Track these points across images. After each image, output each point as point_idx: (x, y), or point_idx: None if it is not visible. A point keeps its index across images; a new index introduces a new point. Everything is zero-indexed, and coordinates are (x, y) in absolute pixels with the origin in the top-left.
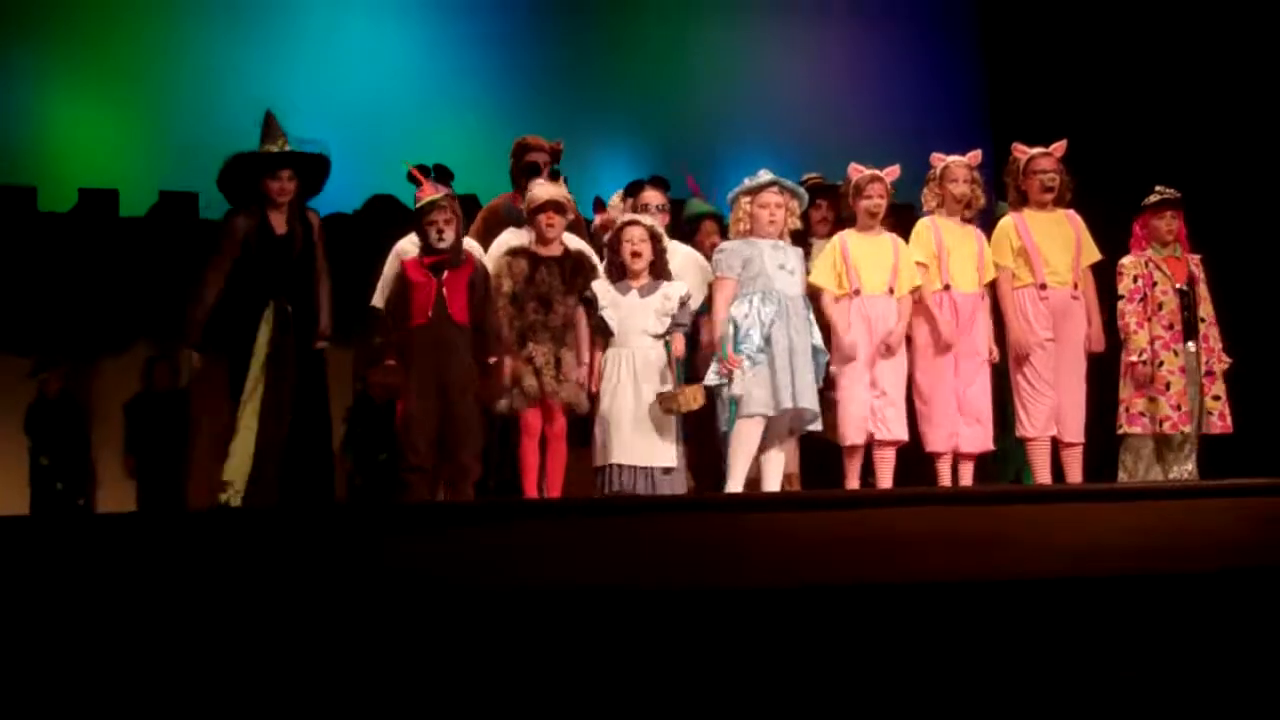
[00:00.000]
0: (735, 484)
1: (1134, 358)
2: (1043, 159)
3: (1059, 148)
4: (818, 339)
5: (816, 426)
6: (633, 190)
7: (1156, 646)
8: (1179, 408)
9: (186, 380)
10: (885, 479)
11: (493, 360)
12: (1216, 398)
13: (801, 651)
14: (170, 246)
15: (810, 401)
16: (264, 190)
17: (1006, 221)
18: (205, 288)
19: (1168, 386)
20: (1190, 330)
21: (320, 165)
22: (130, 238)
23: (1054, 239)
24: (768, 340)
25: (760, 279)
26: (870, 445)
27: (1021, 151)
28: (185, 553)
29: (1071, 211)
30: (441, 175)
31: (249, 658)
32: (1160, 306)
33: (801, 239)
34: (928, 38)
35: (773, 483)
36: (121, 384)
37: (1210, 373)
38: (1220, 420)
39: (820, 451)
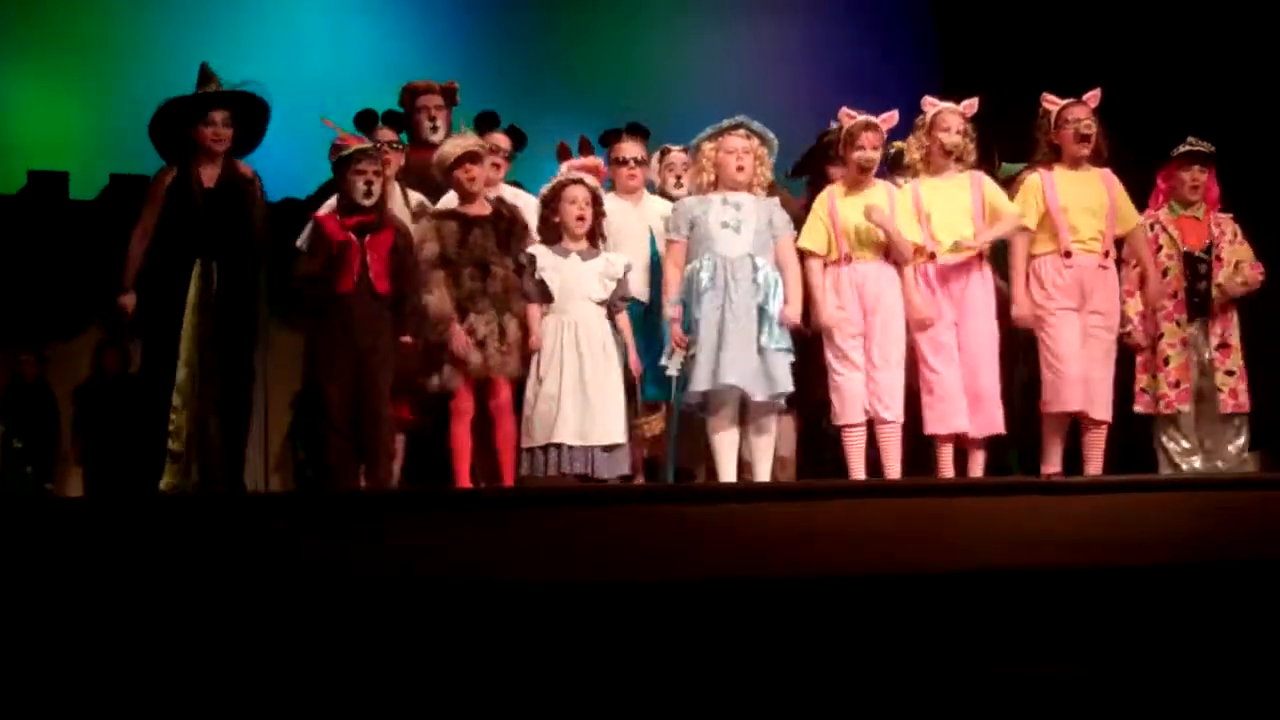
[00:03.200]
0: (727, 475)
1: (1123, 328)
2: (1076, 108)
3: (1093, 96)
4: (765, 300)
5: (760, 396)
6: (607, 140)
7: (1103, 640)
8: (1177, 384)
9: (138, 365)
10: (893, 460)
11: (407, 339)
12: (1230, 373)
13: (757, 644)
14: (121, 230)
15: (739, 378)
16: (197, 139)
17: (1034, 179)
18: (132, 245)
19: (1166, 361)
20: (1200, 300)
21: (256, 109)
22: (80, 221)
23: (1083, 201)
24: (698, 314)
25: (703, 241)
26: (872, 426)
27: (1052, 103)
28: (135, 538)
29: (1107, 171)
30: (381, 121)
31: (198, 646)
32: (1165, 273)
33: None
34: (879, 17)
35: (760, 469)
36: (72, 369)
37: (1225, 345)
38: (1231, 398)
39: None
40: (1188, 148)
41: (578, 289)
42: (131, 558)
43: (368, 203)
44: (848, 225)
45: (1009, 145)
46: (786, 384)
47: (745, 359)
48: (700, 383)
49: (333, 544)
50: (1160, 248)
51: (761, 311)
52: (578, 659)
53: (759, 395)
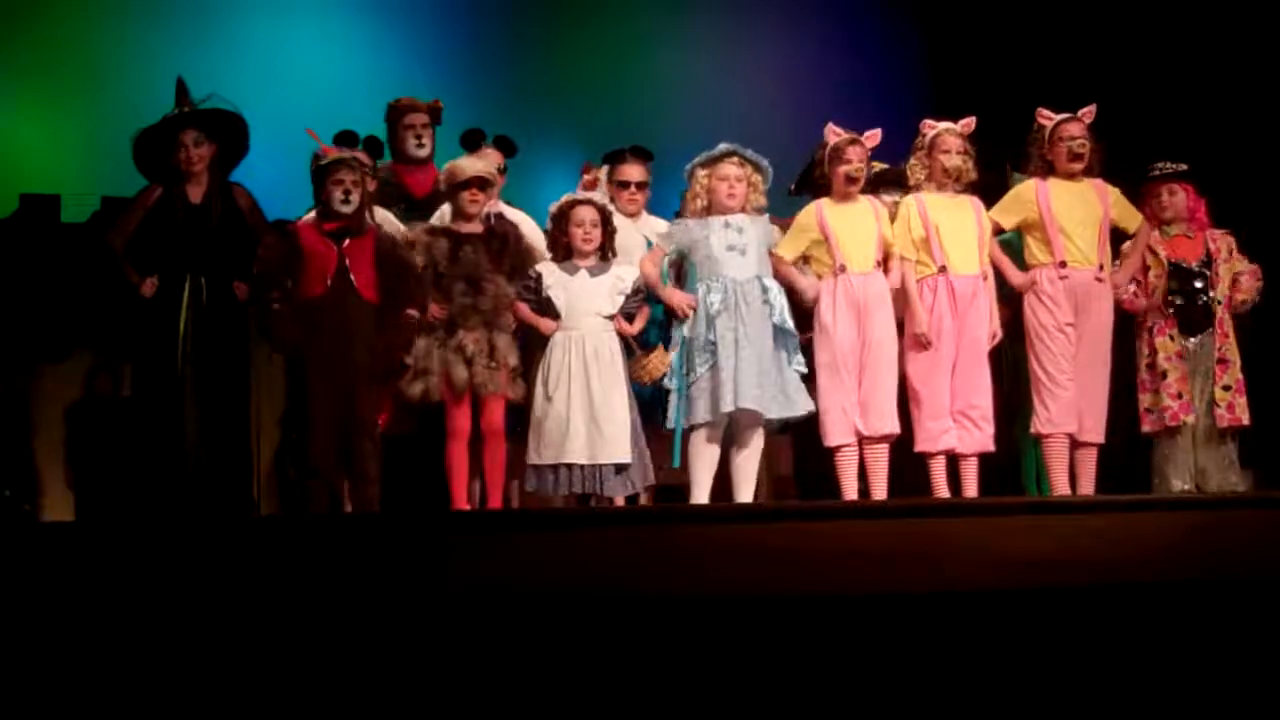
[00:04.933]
0: (699, 495)
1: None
2: (1071, 124)
3: (1088, 112)
4: (782, 319)
5: (792, 413)
6: (612, 160)
7: (1089, 658)
8: (1179, 396)
9: (129, 388)
10: (879, 480)
11: (413, 313)
12: (1226, 388)
13: (743, 664)
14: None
15: (754, 401)
16: (175, 164)
17: (1029, 185)
18: (115, 247)
19: (1164, 375)
20: (1196, 315)
21: (230, 122)
22: (72, 244)
23: (1077, 214)
24: (712, 336)
25: (707, 264)
26: (861, 444)
27: (1047, 117)
28: (128, 562)
29: (1099, 181)
30: (362, 144)
31: (190, 671)
32: (1154, 291)
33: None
34: (870, 31)
35: (744, 489)
36: (61, 391)
37: (1224, 360)
38: (1229, 412)
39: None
40: (1156, 171)
41: (586, 305)
42: (123, 581)
43: (346, 210)
44: (842, 238)
45: (1016, 157)
46: (808, 404)
47: (762, 381)
48: (726, 405)
49: (331, 567)
50: (1149, 268)
51: (779, 331)
52: (570, 678)
53: (774, 414)
